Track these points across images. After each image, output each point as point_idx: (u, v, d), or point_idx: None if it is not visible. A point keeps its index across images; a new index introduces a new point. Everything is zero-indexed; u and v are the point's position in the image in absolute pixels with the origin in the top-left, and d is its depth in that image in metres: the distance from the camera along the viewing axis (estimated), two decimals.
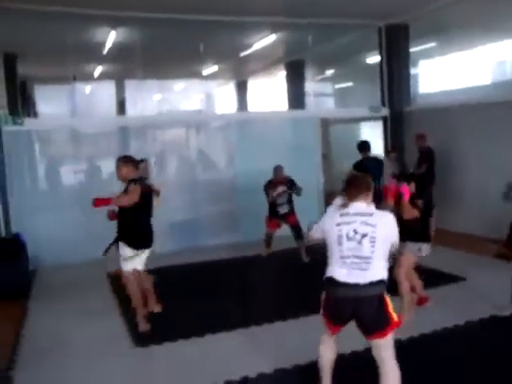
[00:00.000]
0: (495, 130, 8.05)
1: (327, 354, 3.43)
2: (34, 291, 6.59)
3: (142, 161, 6.71)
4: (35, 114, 11.32)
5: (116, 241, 4.97)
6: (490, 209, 7.86)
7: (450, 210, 8.29)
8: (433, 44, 11.99)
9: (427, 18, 9.51)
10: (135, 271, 4.97)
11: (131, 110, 12.58)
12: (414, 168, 8.46)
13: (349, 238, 3.18)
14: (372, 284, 3.13)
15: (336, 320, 3.31)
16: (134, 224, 4.86)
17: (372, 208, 3.33)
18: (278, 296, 5.93)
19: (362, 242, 3.15)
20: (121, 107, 12.82)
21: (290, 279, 6.68)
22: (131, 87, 12.95)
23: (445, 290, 5.78)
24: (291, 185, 7.29)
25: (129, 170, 4.93)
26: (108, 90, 13.08)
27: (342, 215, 3.28)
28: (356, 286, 3.13)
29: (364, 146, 7.96)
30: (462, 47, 12.67)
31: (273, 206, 7.41)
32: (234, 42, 10.91)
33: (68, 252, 7.63)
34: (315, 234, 3.47)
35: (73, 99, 11.05)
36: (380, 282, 3.16)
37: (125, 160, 5.03)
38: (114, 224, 5.00)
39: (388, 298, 3.22)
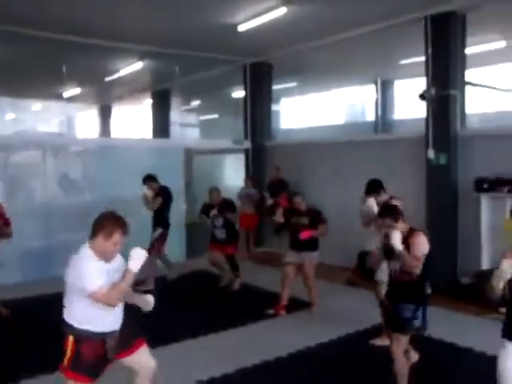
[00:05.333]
0: (343, 166, 8.75)
1: None
2: None
3: None
4: None
5: None
6: (340, 240, 8.37)
7: None
8: (293, 84, 12.82)
9: (289, 60, 10.15)
10: None
11: None
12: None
13: None
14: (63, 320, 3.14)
15: None
16: None
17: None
18: None
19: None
20: None
21: None
22: None
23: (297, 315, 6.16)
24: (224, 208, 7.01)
25: None
26: None
27: None
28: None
29: None
30: (320, 88, 13.74)
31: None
32: (99, 65, 10.66)
33: None
34: None
35: None
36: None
37: None
38: None
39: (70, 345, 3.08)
